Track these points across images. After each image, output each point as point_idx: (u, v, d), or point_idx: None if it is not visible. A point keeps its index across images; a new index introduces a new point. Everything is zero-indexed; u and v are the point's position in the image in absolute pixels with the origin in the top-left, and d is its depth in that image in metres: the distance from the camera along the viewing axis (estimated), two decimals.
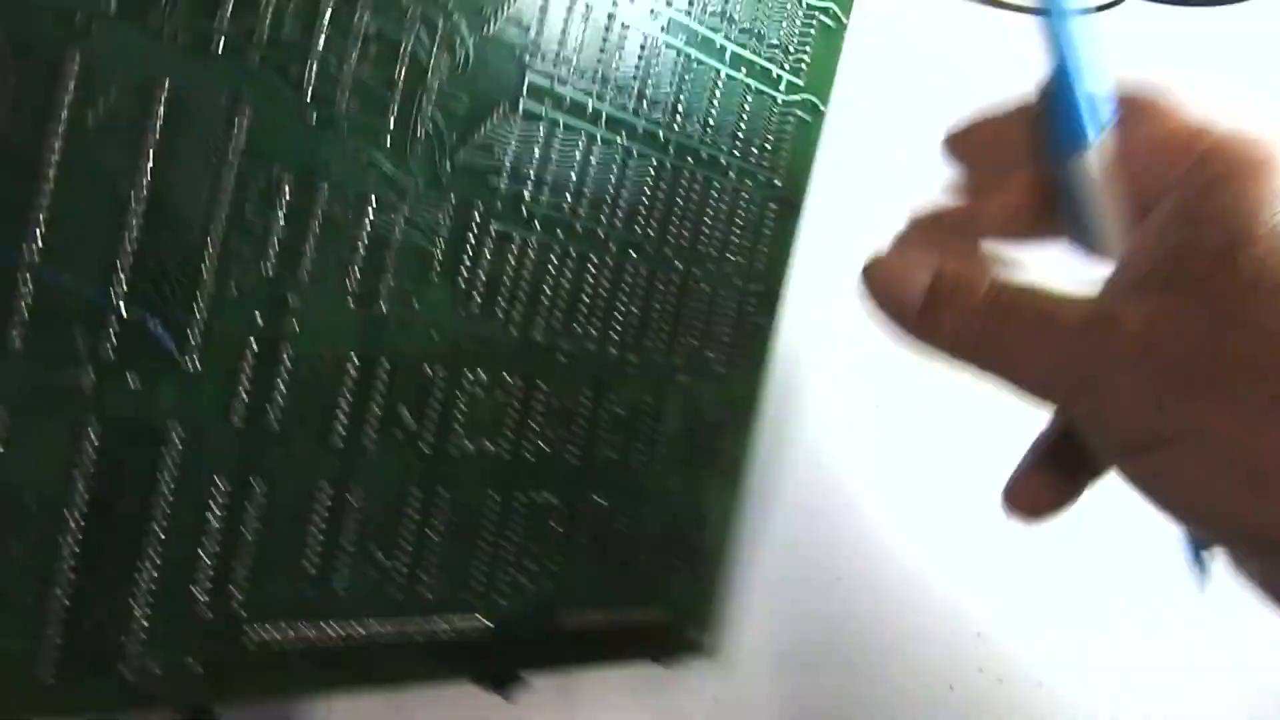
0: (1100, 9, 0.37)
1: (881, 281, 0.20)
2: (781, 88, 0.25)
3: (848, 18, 0.27)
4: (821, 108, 0.27)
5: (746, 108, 0.25)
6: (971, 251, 0.22)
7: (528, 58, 0.20)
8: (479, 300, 0.21)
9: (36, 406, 0.16)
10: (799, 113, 0.26)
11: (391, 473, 0.20)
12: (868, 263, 0.21)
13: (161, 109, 0.16)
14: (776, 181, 0.26)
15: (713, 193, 0.24)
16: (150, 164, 0.16)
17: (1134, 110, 0.20)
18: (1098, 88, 0.20)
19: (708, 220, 0.25)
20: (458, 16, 0.19)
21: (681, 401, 0.25)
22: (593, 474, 0.23)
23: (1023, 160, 0.21)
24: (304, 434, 0.19)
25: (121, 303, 0.16)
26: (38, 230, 0.15)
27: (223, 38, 0.16)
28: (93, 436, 0.16)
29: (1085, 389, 0.18)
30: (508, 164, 0.21)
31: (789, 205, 0.26)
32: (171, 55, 0.16)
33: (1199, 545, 0.21)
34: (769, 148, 0.26)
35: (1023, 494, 0.21)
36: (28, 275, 0.15)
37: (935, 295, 0.20)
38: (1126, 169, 0.20)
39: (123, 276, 0.16)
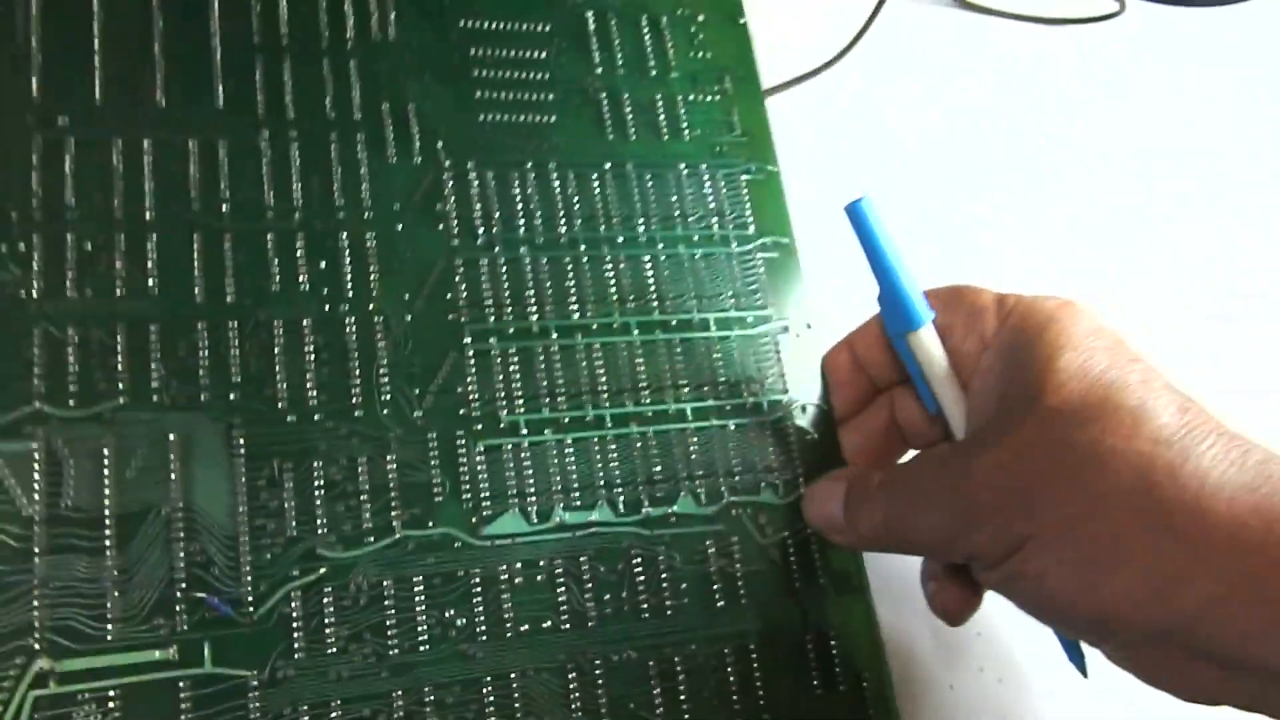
0: (1100, 19, 0.38)
1: (813, 508, 0.27)
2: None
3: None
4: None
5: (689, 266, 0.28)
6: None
7: (464, 319, 0.26)
8: (488, 507, 0.25)
9: (137, 682, 0.21)
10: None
11: (456, 668, 0.23)
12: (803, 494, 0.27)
13: (176, 452, 0.23)
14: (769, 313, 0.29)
15: (691, 350, 0.28)
16: (179, 488, 0.23)
17: (951, 296, 0.26)
18: (913, 285, 0.26)
19: (703, 373, 0.27)
20: (387, 309, 0.25)
21: (745, 530, 0.26)
22: (674, 623, 0.25)
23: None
24: (363, 654, 0.23)
25: (183, 591, 0.22)
26: (113, 558, 0.22)
27: (207, 392, 0.23)
28: (187, 696, 0.21)
29: (963, 529, 0.23)
30: (473, 395, 0.25)
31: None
32: (173, 415, 0.23)
33: (1070, 641, 0.25)
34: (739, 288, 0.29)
35: (948, 603, 0.26)
36: (115, 591, 0.22)
37: (847, 500, 0.25)
38: (950, 339, 0.26)
39: (181, 573, 0.22)
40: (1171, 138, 0.38)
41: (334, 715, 0.22)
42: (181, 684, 0.22)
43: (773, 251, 0.29)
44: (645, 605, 0.25)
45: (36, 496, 0.22)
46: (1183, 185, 0.37)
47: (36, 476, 0.22)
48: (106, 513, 0.22)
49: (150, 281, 0.24)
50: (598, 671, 0.24)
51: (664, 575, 0.25)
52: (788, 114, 0.33)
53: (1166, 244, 0.36)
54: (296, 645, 0.22)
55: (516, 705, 0.23)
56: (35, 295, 0.23)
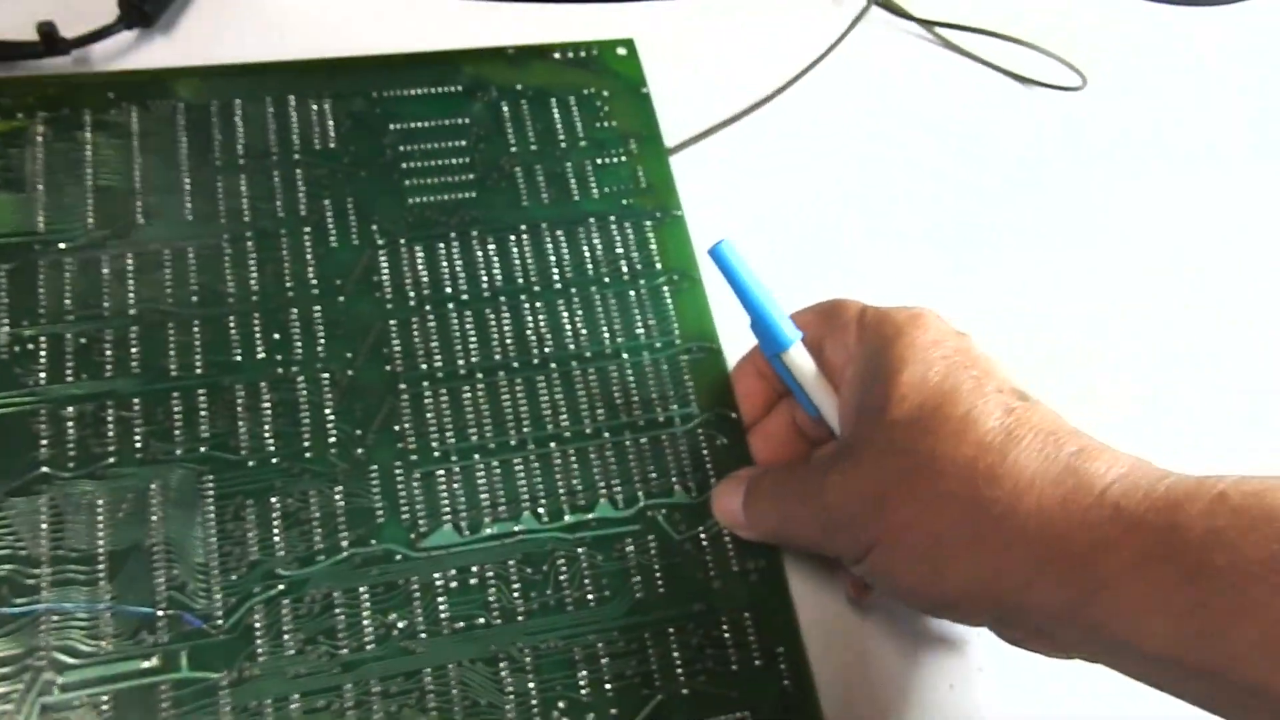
0: (1060, 89, 0.41)
1: (718, 506, 0.30)
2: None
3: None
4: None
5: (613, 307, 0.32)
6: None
7: (399, 369, 0.30)
8: (424, 524, 0.29)
9: (126, 688, 0.26)
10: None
11: (399, 663, 0.27)
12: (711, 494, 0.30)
13: (157, 498, 0.28)
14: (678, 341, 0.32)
15: (605, 375, 0.31)
16: (159, 527, 0.27)
17: (826, 310, 0.29)
18: (777, 311, 0.28)
19: (617, 395, 0.31)
20: (332, 367, 0.30)
21: (660, 529, 0.29)
22: (597, 614, 0.28)
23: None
24: (317, 654, 0.27)
25: (163, 611, 0.26)
26: (105, 587, 0.26)
27: (181, 447, 0.28)
28: (167, 697, 0.26)
29: (826, 533, 0.26)
30: (409, 431, 0.30)
31: (713, 352, 0.32)
32: (153, 468, 0.28)
33: None
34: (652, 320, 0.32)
35: (851, 585, 0.30)
36: (108, 613, 0.26)
37: (745, 500, 0.29)
38: (823, 352, 0.28)
39: (162, 596, 0.27)
40: (1121, 212, 0.39)
41: (294, 707, 0.26)
42: (163, 687, 0.26)
43: (680, 283, 0.33)
44: (569, 600, 0.28)
45: (43, 541, 0.27)
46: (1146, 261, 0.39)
47: (44, 526, 0.27)
48: (100, 551, 0.27)
49: (134, 364, 0.29)
50: (527, 660, 0.27)
51: (586, 573, 0.29)
52: (729, 152, 0.37)
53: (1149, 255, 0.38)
54: (259, 650, 0.26)
55: (454, 692, 0.27)
56: (42, 383, 0.28)
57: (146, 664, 0.26)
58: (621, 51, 0.36)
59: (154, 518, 0.27)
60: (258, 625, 0.27)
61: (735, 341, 0.32)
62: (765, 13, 0.40)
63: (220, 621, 0.27)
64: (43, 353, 0.29)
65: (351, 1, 0.37)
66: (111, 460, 0.28)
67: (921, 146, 0.39)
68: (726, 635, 0.29)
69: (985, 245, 0.37)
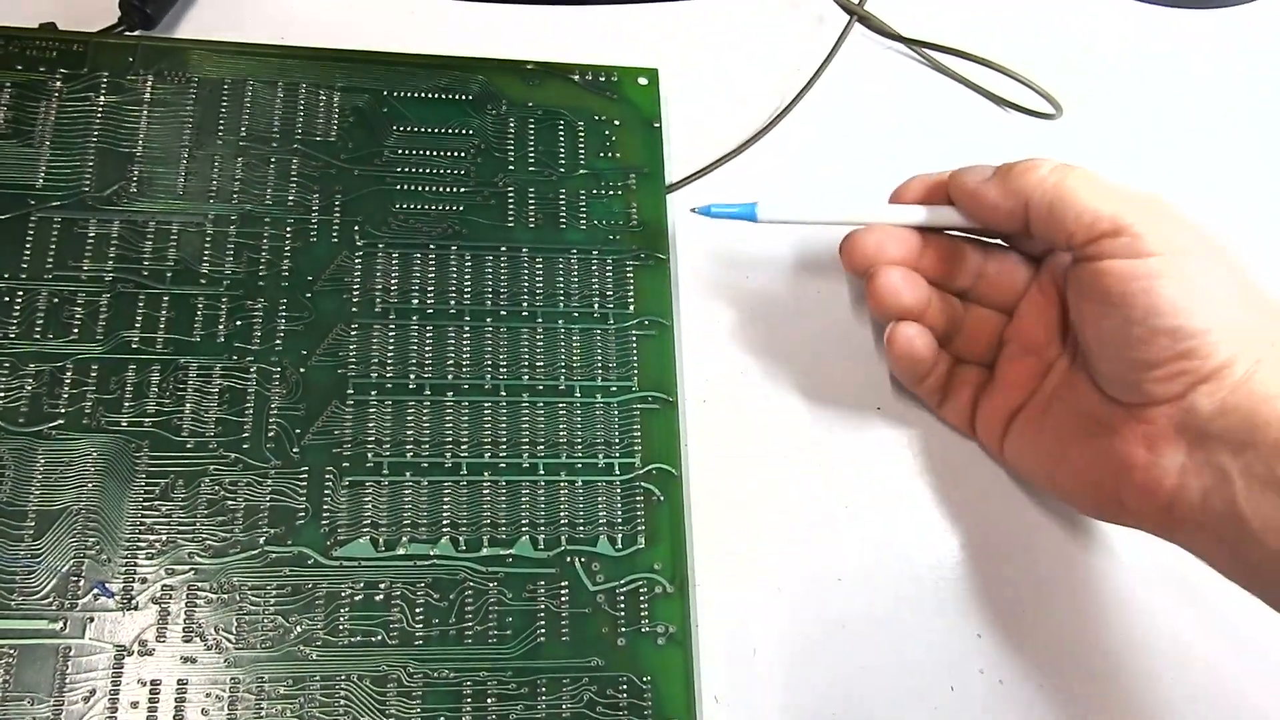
0: (1036, 115, 0.39)
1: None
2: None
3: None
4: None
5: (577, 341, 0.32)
6: None
7: (350, 374, 0.31)
8: (342, 533, 0.29)
9: (32, 644, 0.27)
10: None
11: (290, 666, 0.27)
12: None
13: (93, 465, 0.29)
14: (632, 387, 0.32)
15: (553, 413, 0.31)
16: (90, 495, 0.28)
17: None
18: None
19: (561, 434, 0.31)
20: (285, 361, 0.30)
21: (576, 576, 0.29)
22: (494, 651, 0.28)
23: None
24: (214, 642, 0.27)
25: (78, 576, 0.28)
26: (27, 544, 0.28)
27: (126, 418, 0.29)
28: (71, 659, 0.27)
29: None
30: (347, 438, 0.30)
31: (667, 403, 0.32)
32: (96, 435, 0.29)
33: None
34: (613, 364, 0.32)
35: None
36: (25, 570, 0.27)
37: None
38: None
39: (79, 562, 0.28)
40: None
41: (187, 690, 0.27)
42: (67, 649, 0.27)
43: (650, 330, 0.32)
44: (470, 633, 0.29)
45: None
46: None
47: None
48: (30, 508, 0.28)
49: (99, 331, 0.30)
50: (415, 685, 0.28)
51: (492, 608, 0.29)
52: (726, 186, 0.36)
53: None
54: (160, 630, 0.27)
55: (340, 705, 0.27)
56: (10, 337, 0.29)
57: (52, 624, 0.27)
58: (643, 81, 0.36)
59: (88, 485, 0.28)
60: (161, 606, 0.28)
61: (695, 397, 0.32)
62: (756, 37, 0.39)
63: (129, 596, 0.28)
64: (17, 307, 0.30)
65: (350, 3, 0.37)
66: (60, 422, 0.29)
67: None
68: (622, 696, 0.29)
69: None
